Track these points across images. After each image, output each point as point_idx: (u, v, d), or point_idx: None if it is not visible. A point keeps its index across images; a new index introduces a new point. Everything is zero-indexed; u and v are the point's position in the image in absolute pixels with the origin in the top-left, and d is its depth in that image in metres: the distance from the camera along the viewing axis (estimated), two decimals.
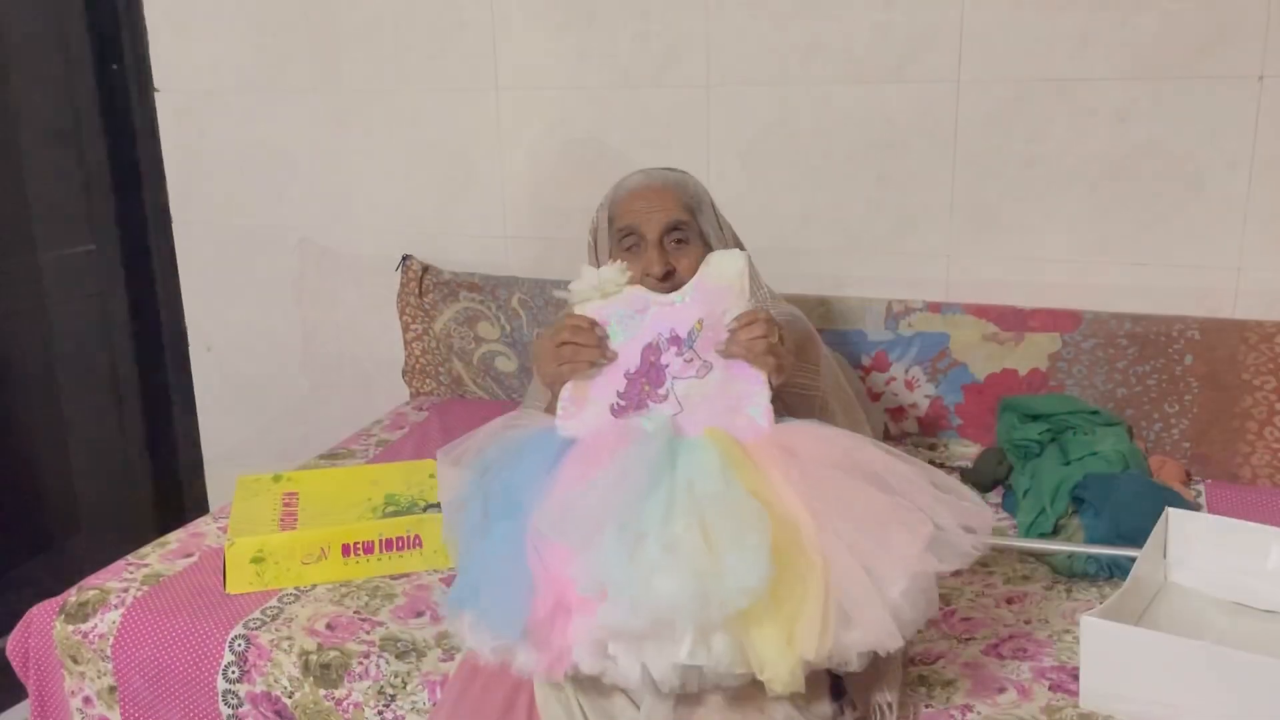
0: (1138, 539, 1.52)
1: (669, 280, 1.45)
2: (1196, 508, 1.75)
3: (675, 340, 1.31)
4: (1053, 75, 1.95)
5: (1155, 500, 1.62)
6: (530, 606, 1.17)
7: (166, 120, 2.71)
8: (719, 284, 1.33)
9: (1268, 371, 1.86)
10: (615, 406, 1.31)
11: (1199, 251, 1.94)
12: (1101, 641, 1.27)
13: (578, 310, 1.36)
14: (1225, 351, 1.89)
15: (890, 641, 1.12)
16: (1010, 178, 2.03)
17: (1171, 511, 1.54)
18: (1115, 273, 2.00)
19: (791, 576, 1.12)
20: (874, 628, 1.12)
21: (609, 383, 1.32)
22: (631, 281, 1.40)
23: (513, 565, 1.20)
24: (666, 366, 1.30)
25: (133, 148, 2.72)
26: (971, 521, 1.23)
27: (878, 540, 1.16)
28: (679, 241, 1.46)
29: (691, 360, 1.30)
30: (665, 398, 1.29)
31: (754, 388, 1.29)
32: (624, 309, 1.34)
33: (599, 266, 1.52)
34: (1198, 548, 1.53)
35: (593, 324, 1.34)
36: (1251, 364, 1.87)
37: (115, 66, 2.68)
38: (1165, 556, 1.54)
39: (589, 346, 1.32)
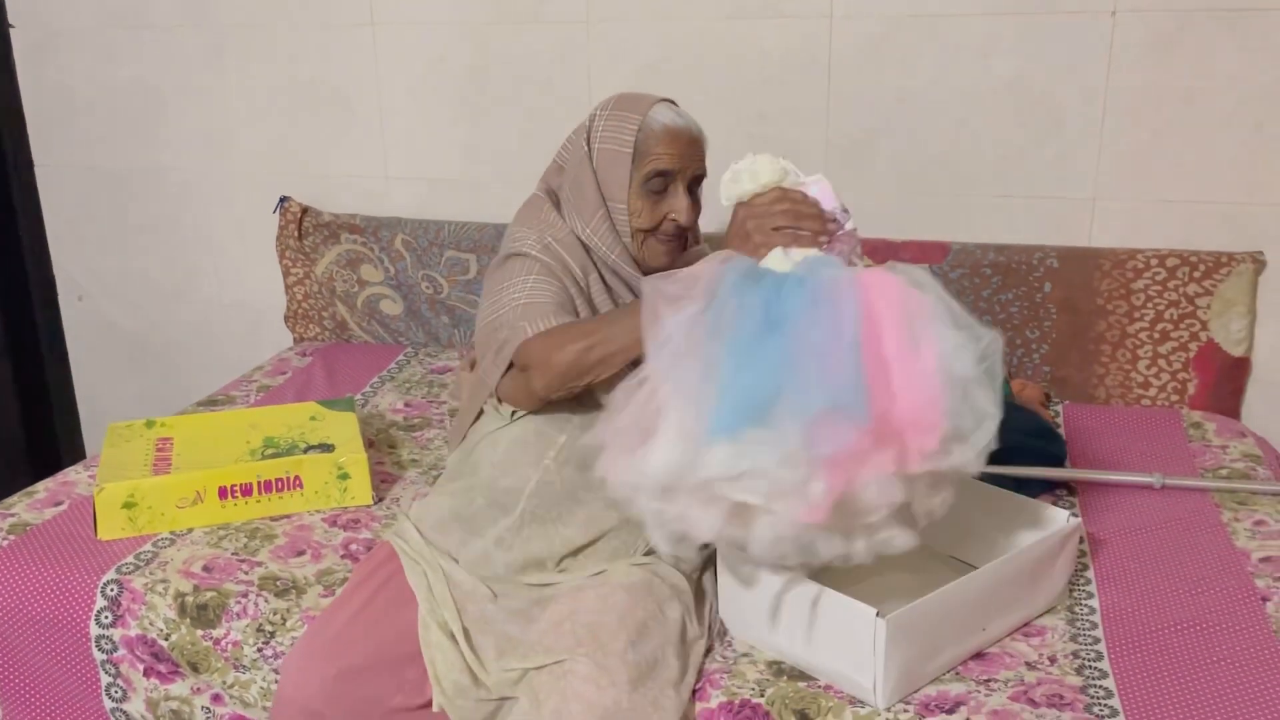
0: (1000, 459, 1.59)
1: (687, 231, 1.49)
2: (1056, 427, 1.85)
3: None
4: (921, 10, 2.00)
5: (1017, 422, 1.70)
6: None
7: (24, 58, 2.58)
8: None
9: (1119, 297, 1.96)
10: None
11: (1058, 183, 2.02)
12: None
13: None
14: (1081, 279, 1.98)
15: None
16: (882, 113, 2.07)
17: None
18: (981, 204, 2.07)
19: None
20: None
21: None
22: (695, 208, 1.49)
23: (833, 352, 1.07)
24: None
25: None
26: None
27: None
28: (692, 195, 1.49)
29: None
30: None
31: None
32: None
33: (594, 179, 1.47)
34: None
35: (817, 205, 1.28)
36: (1105, 290, 1.97)
37: None
38: None
39: (815, 219, 1.27)
